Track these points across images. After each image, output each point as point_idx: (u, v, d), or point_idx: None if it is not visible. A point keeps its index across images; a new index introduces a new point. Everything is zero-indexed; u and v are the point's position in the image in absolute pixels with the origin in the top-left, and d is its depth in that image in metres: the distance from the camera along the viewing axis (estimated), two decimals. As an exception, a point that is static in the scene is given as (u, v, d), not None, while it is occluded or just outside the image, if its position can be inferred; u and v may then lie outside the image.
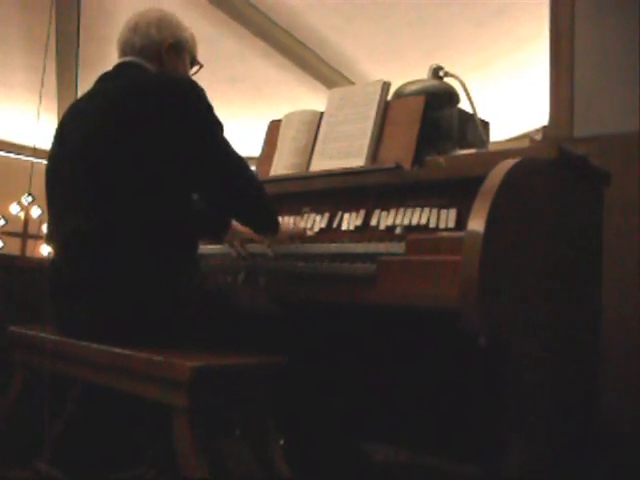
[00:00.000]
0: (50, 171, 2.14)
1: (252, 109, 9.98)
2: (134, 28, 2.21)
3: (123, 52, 2.21)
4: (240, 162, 2.09)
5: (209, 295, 2.04)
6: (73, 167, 2.01)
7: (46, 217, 2.18)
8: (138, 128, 1.93)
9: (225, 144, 2.07)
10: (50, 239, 2.12)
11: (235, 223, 2.37)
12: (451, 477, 2.16)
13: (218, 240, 2.41)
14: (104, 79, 2.15)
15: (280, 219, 2.28)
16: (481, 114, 2.46)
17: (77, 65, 9.79)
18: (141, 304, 1.91)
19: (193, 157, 1.99)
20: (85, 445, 2.24)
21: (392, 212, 2.22)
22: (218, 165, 2.05)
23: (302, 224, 2.43)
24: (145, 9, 2.29)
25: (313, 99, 8.09)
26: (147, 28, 2.20)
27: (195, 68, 2.36)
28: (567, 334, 2.02)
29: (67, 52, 9.62)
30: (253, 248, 2.35)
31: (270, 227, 2.24)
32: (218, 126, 2.06)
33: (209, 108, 2.04)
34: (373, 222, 2.26)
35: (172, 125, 1.95)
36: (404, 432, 2.31)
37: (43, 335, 2.09)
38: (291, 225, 2.37)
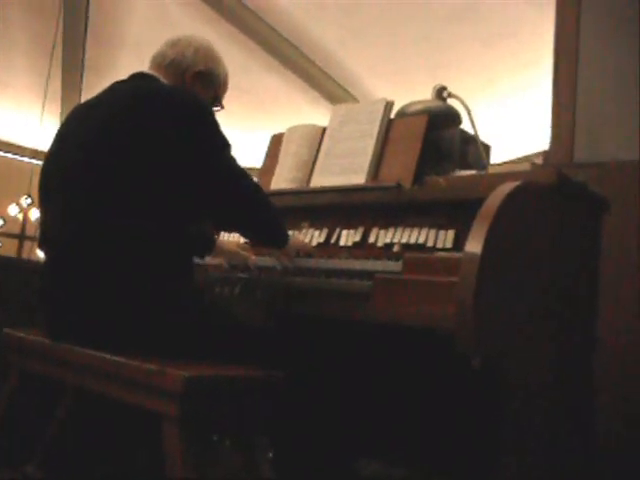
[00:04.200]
0: (47, 172, 2.14)
1: (254, 121, 10.02)
2: (174, 44, 2.25)
3: (152, 63, 2.25)
4: (246, 181, 2.08)
5: (204, 305, 2.04)
6: (72, 171, 2.00)
7: (44, 219, 2.17)
8: (142, 136, 1.93)
9: (231, 163, 2.06)
10: (43, 243, 2.12)
11: (221, 241, 2.39)
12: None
13: (201, 257, 2.41)
14: (116, 87, 2.16)
15: (291, 233, 2.28)
16: (483, 135, 2.47)
17: (82, 69, 9.85)
18: (134, 312, 1.91)
19: (197, 174, 1.98)
20: (75, 450, 2.23)
21: (390, 230, 2.23)
22: (223, 184, 2.04)
23: (301, 239, 2.43)
24: (195, 34, 2.33)
25: (316, 113, 8.12)
26: (185, 48, 2.24)
27: (216, 108, 2.34)
28: (562, 357, 2.02)
29: (73, 56, 9.67)
30: (262, 261, 2.35)
31: (279, 241, 2.23)
32: (224, 145, 2.05)
33: (216, 126, 2.05)
34: (371, 239, 2.27)
35: (176, 138, 1.94)
36: (396, 450, 2.31)
37: (37, 339, 2.09)
38: (300, 240, 2.36)
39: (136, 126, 1.95)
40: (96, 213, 1.93)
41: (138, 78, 2.18)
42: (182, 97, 2.05)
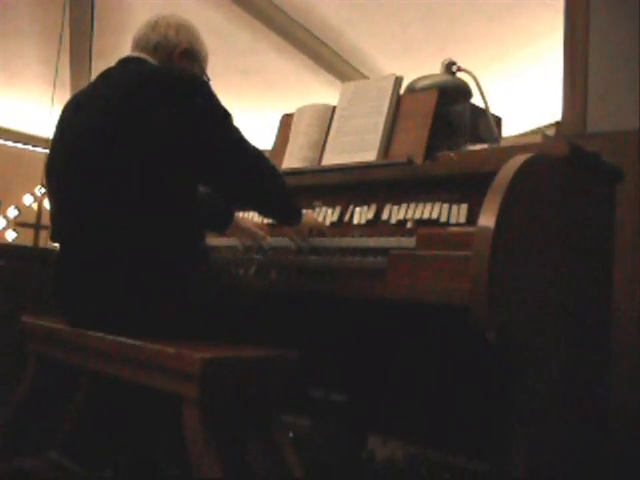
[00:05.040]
0: (51, 164, 2.15)
1: (264, 102, 9.99)
2: (153, 26, 2.23)
3: (136, 46, 2.23)
4: (252, 151, 2.05)
5: (218, 286, 2.05)
6: (75, 159, 2.01)
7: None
8: (141, 119, 1.92)
9: (234, 133, 2.03)
10: (54, 233, 2.13)
11: (239, 217, 2.39)
12: (459, 473, 2.15)
13: (221, 233, 2.42)
14: (107, 73, 2.15)
15: (304, 211, 2.26)
16: (494, 109, 2.46)
17: (90, 57, 9.83)
18: (148, 295, 1.92)
19: (201, 148, 1.98)
20: (97, 435, 2.25)
21: (403, 206, 2.22)
22: (229, 155, 2.01)
23: (313, 216, 2.43)
24: (169, 13, 2.32)
25: (326, 92, 8.09)
26: (166, 29, 2.23)
27: None
28: (577, 329, 2.02)
29: (81, 44, 9.65)
30: (276, 242, 2.36)
31: (291, 217, 2.21)
32: (225, 115, 2.03)
33: (214, 98, 2.03)
34: (384, 216, 2.26)
35: (176, 116, 1.93)
36: (411, 427, 2.31)
37: (54, 325, 2.11)
38: (313, 218, 2.35)
39: (135, 110, 1.94)
40: (100, 199, 1.94)
41: (128, 62, 2.17)
42: (178, 75, 2.05)
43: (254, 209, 2.34)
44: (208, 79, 2.33)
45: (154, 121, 1.92)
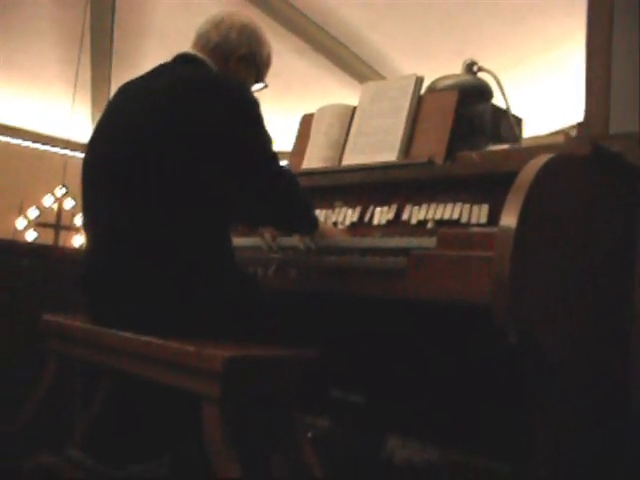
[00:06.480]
0: (90, 156, 2.14)
1: (284, 104, 9.99)
2: (217, 24, 2.23)
3: (197, 43, 2.23)
4: (285, 177, 2.10)
5: (242, 286, 2.05)
6: (116, 157, 2.01)
7: (79, 209, 2.19)
8: (189, 124, 1.93)
9: (272, 158, 2.06)
10: (85, 227, 2.14)
11: None
12: (479, 474, 2.15)
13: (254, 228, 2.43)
14: (161, 69, 2.14)
15: (322, 217, 2.27)
16: (515, 110, 2.45)
17: (111, 59, 9.90)
18: (174, 294, 1.92)
19: (238, 165, 1.99)
20: (116, 432, 2.26)
21: (424, 207, 2.21)
22: (263, 179, 2.04)
23: (333, 218, 2.43)
24: (236, 11, 2.32)
25: (345, 94, 8.08)
26: (229, 29, 2.22)
27: (259, 85, 2.37)
28: (599, 332, 2.00)
29: (101, 46, 9.73)
30: (285, 241, 2.35)
31: (309, 231, 2.23)
32: (268, 140, 2.06)
33: (261, 121, 2.05)
34: (405, 216, 2.25)
35: (222, 128, 1.95)
36: (432, 429, 2.30)
37: (76, 323, 2.11)
38: (329, 228, 2.35)
39: (184, 114, 1.94)
40: (136, 199, 1.95)
41: (187, 61, 2.17)
42: (236, 90, 2.04)
43: (277, 228, 2.33)
44: (265, 85, 2.35)
45: (202, 127, 1.94)
